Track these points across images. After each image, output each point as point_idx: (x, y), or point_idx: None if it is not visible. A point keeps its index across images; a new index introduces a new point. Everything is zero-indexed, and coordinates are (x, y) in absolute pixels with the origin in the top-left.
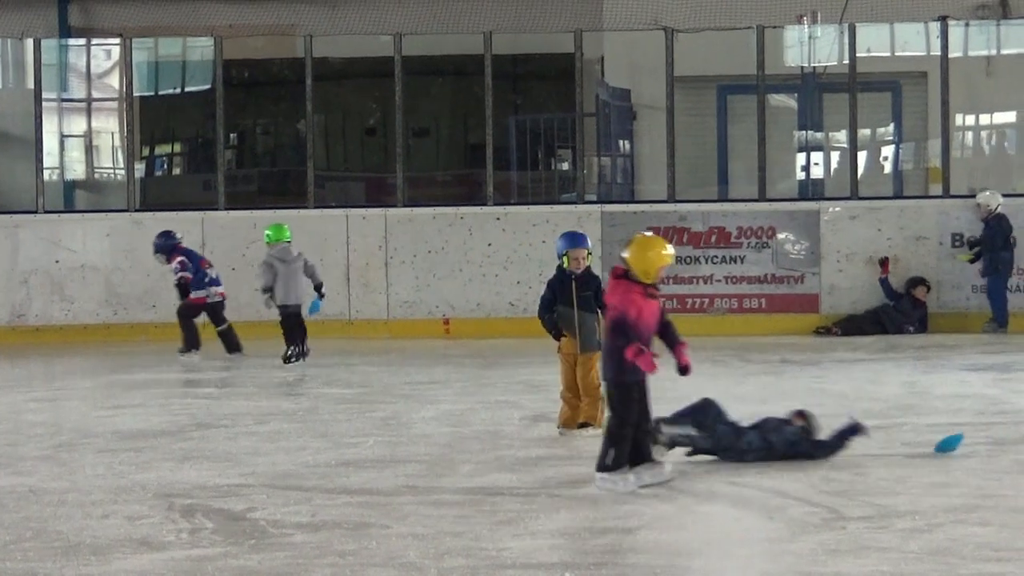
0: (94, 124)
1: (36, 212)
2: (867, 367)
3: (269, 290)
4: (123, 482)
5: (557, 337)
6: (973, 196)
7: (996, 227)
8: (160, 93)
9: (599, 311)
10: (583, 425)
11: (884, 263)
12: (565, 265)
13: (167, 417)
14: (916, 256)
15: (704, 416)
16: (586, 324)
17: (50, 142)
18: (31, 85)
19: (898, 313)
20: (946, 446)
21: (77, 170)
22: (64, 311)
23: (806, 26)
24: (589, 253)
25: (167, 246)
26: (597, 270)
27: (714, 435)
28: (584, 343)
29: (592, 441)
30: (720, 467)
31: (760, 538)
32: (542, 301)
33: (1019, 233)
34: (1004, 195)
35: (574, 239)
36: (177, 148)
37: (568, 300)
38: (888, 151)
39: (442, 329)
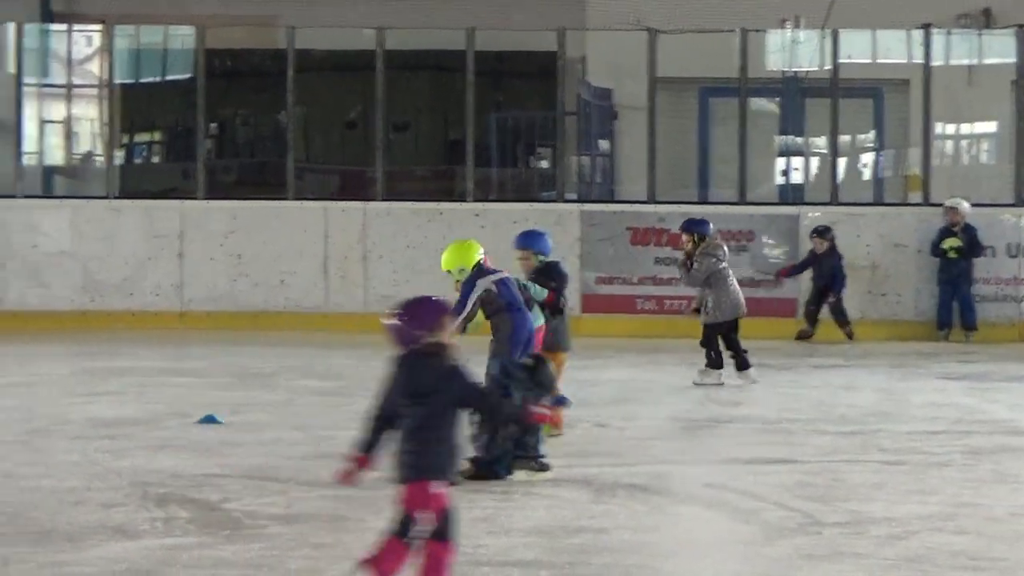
0: (74, 110)
1: (15, 197)
2: (843, 373)
3: None
4: (97, 469)
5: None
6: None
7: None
8: (141, 81)
9: (545, 310)
10: None
11: (779, 274)
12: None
13: (143, 405)
14: (895, 263)
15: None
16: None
17: (30, 127)
18: (12, 70)
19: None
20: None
21: (56, 156)
22: (40, 297)
23: (789, 30)
24: (536, 253)
25: None
26: (575, 269)
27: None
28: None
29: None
30: (696, 469)
31: (734, 541)
32: None
33: (996, 241)
34: (976, 204)
35: (517, 238)
36: (157, 136)
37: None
38: (868, 157)
39: None
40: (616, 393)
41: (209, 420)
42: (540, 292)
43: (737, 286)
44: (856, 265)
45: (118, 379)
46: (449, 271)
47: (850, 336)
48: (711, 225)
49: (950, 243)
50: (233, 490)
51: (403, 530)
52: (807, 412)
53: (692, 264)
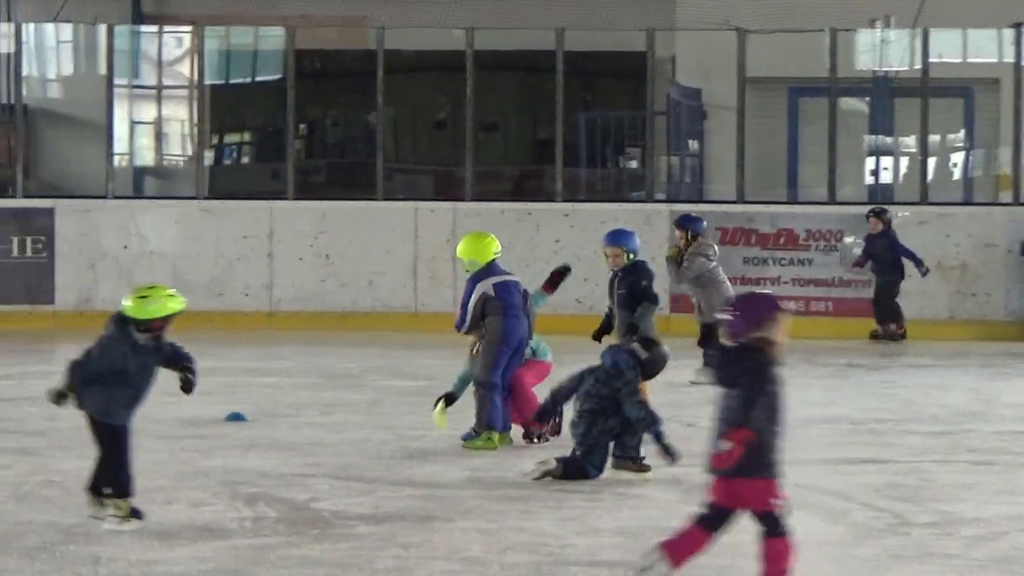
0: (164, 111)
1: (106, 198)
2: (934, 373)
3: None
4: (187, 469)
5: (595, 337)
6: None
7: None
8: (231, 82)
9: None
10: None
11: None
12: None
13: (232, 405)
14: (985, 263)
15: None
16: (621, 321)
17: (120, 128)
18: (103, 71)
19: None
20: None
21: (147, 156)
22: None
23: (879, 30)
24: (627, 251)
25: None
26: (664, 269)
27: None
28: (620, 339)
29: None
30: (785, 469)
31: (824, 542)
32: None
33: None
34: None
35: (608, 236)
36: (246, 137)
37: (611, 297)
38: (958, 157)
39: None
40: (706, 394)
41: (235, 418)
42: (538, 299)
43: (729, 284)
44: (945, 265)
45: (207, 379)
46: (462, 260)
47: (895, 337)
48: (705, 223)
49: None
50: (321, 490)
51: (710, 522)
52: (897, 412)
53: (683, 262)
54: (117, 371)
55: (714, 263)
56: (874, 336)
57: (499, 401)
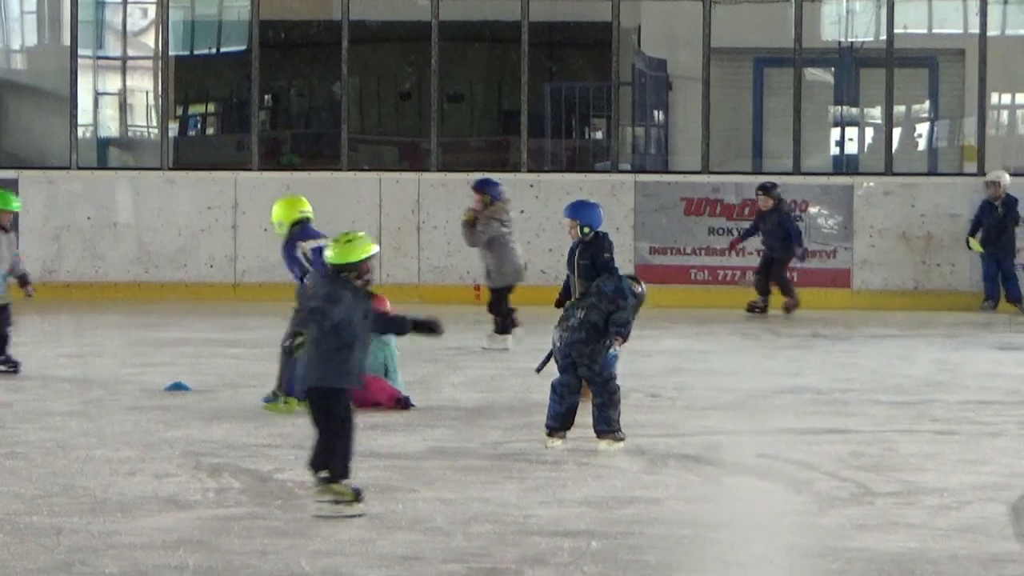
0: (129, 82)
1: (70, 168)
2: (898, 343)
3: None
4: (151, 439)
5: (557, 304)
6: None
7: (1010, 208)
8: (196, 53)
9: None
10: None
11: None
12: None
13: (196, 376)
14: (949, 234)
15: None
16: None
17: (85, 99)
18: (67, 42)
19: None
20: (177, 387)
21: (111, 127)
22: (95, 268)
23: (844, 0)
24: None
25: None
26: (628, 239)
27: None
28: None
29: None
30: (749, 439)
31: (788, 511)
32: None
33: None
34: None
35: (567, 208)
36: (211, 108)
37: (570, 267)
38: (923, 128)
39: (473, 295)
40: (669, 363)
41: (177, 387)
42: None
43: (519, 251)
44: (911, 235)
45: (171, 349)
46: (274, 223)
47: (789, 308)
48: (502, 188)
49: (975, 245)
50: (285, 460)
51: None
52: (861, 382)
53: (477, 224)
54: (340, 327)
55: (508, 229)
56: (751, 308)
57: (300, 367)
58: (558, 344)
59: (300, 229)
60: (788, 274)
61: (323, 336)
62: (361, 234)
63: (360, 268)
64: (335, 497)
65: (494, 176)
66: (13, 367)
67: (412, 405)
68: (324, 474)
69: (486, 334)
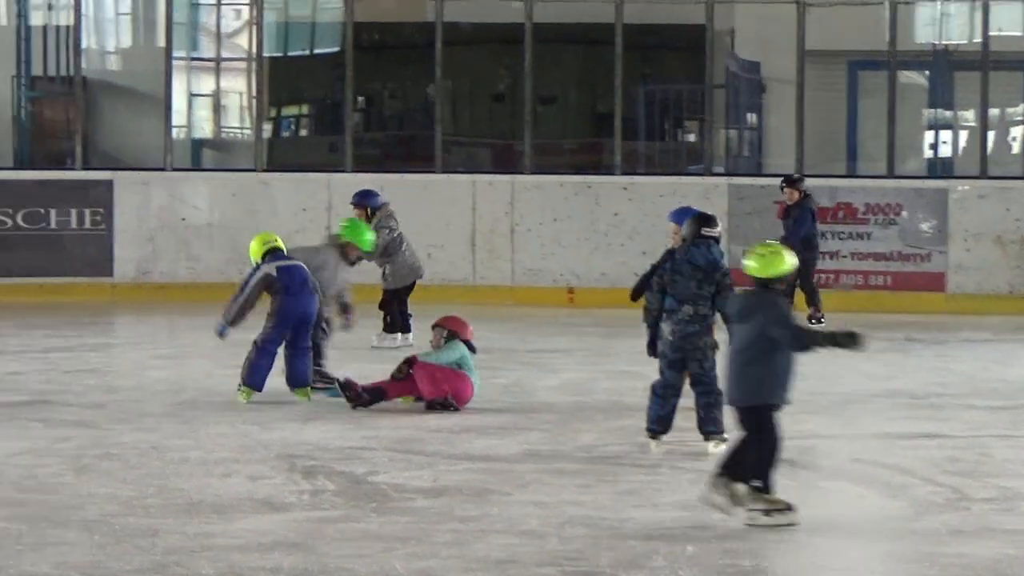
0: (223, 84)
1: (164, 170)
2: (993, 347)
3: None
4: (246, 441)
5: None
6: None
7: None
8: (289, 54)
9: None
10: None
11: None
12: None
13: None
14: None
15: None
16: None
17: (179, 101)
18: (162, 43)
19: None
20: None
21: (205, 129)
22: (189, 269)
23: (939, 3)
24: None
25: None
26: (722, 242)
27: None
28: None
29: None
30: (843, 443)
31: (883, 516)
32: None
33: None
34: None
35: (671, 213)
36: (304, 110)
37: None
38: (1018, 131)
39: (566, 298)
40: None
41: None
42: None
43: (413, 251)
44: (1006, 239)
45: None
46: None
47: (811, 320)
48: (380, 196)
49: None
50: (380, 463)
51: None
52: (956, 387)
53: None
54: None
55: (398, 232)
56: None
57: (264, 365)
58: (670, 338)
59: (270, 256)
60: (815, 279)
61: (771, 353)
62: (776, 244)
63: (783, 280)
64: (768, 506)
65: (588, 178)
66: (329, 382)
67: (454, 407)
68: (757, 483)
69: (375, 333)
